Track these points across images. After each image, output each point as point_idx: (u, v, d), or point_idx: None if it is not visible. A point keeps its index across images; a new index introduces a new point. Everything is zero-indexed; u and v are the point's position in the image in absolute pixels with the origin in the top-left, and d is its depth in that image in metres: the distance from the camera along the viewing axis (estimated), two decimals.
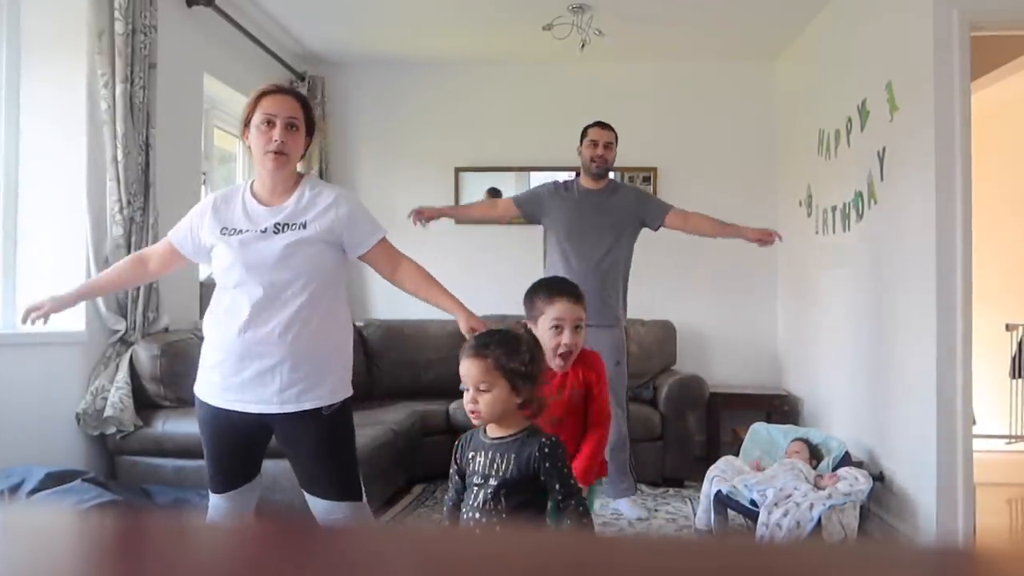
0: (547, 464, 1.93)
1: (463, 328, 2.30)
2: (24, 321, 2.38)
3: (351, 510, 2.29)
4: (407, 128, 5.66)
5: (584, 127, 4.01)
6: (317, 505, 2.29)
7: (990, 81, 4.50)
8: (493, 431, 2.02)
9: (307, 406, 2.22)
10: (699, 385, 4.62)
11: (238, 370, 2.22)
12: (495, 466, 1.99)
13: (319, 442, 2.26)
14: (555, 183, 4.04)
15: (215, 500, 2.35)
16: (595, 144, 3.88)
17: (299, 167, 2.40)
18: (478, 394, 1.96)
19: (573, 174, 4.15)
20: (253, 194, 2.33)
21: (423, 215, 3.88)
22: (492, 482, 1.99)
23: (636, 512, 3.88)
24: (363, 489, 2.36)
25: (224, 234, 2.28)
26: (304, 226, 2.25)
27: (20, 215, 3.33)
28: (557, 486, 1.93)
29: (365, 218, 2.37)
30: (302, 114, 2.30)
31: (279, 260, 2.21)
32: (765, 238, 3.76)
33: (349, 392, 2.33)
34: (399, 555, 0.45)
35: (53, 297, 2.38)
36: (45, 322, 2.37)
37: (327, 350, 2.28)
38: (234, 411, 2.24)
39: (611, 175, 4.05)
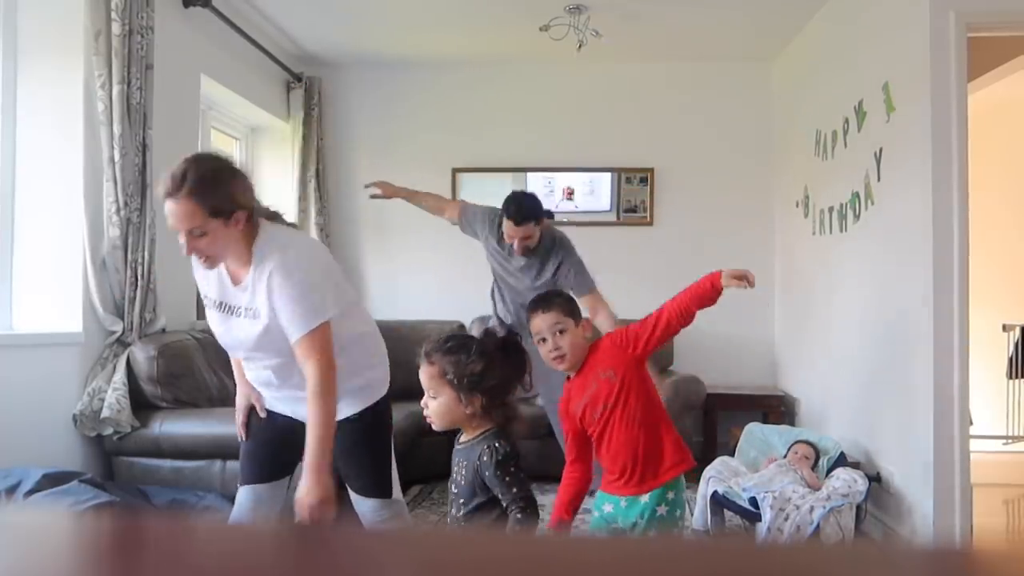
0: (487, 472, 1.92)
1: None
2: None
3: (380, 506, 2.36)
4: (404, 129, 5.66)
5: (505, 203, 3.55)
6: (352, 497, 2.39)
7: (987, 82, 4.51)
8: (463, 436, 2.03)
9: (338, 417, 2.29)
10: (696, 386, 4.62)
11: (275, 398, 2.36)
12: (457, 472, 2.02)
13: (349, 443, 2.33)
14: (493, 224, 3.73)
15: (241, 493, 2.40)
16: (510, 237, 3.56)
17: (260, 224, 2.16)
18: (429, 399, 1.99)
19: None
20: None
21: (384, 192, 3.82)
22: (455, 489, 2.03)
23: None
24: (394, 486, 2.41)
25: (207, 301, 2.27)
26: (258, 314, 2.12)
27: (17, 216, 3.33)
28: (499, 494, 1.92)
29: (291, 308, 2.06)
30: (201, 213, 1.98)
31: (259, 342, 2.16)
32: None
33: (378, 396, 2.36)
34: (396, 556, 0.45)
35: (243, 407, 2.42)
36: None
37: (346, 373, 2.28)
38: (278, 412, 2.40)
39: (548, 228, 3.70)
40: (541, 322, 2.38)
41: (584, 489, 2.51)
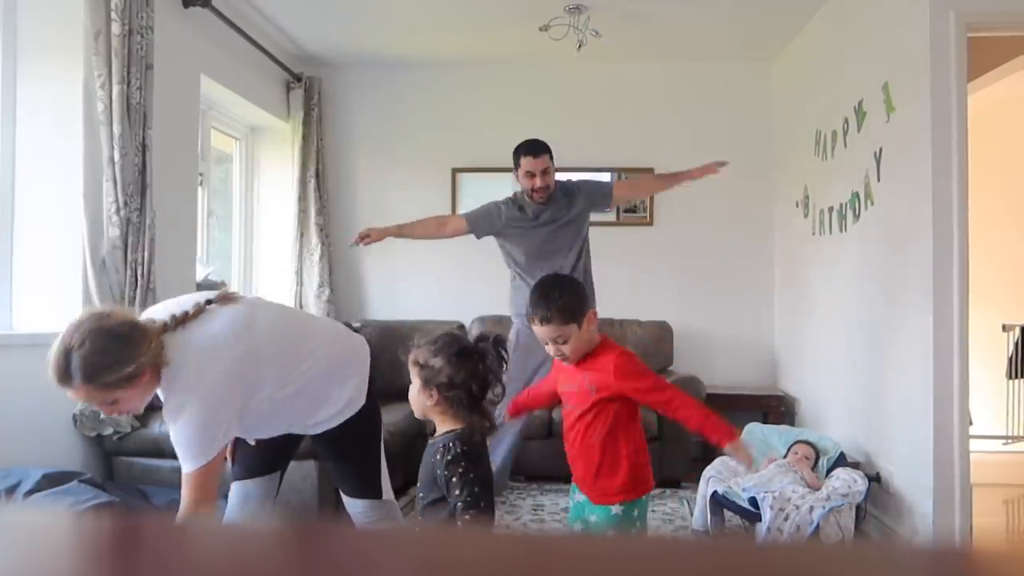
0: (438, 470, 1.96)
1: None
2: None
3: (371, 506, 2.38)
4: (404, 129, 5.66)
5: (516, 150, 3.69)
6: (344, 499, 2.42)
7: (987, 82, 4.51)
8: (435, 433, 2.08)
9: (328, 427, 2.32)
10: (696, 386, 4.62)
11: None
12: (422, 466, 2.07)
13: (338, 447, 2.37)
14: (506, 203, 3.77)
15: (231, 489, 2.42)
16: (531, 175, 3.60)
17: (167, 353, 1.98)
18: (411, 385, 2.05)
19: (520, 186, 3.85)
20: None
21: (369, 239, 3.70)
22: (419, 483, 2.07)
23: None
24: (384, 488, 2.42)
25: None
26: None
27: (17, 216, 3.33)
28: (449, 495, 1.94)
29: (176, 448, 2.02)
30: (102, 391, 1.89)
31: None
32: (710, 171, 3.74)
33: (362, 401, 2.35)
34: (394, 556, 0.45)
35: None
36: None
37: (327, 400, 2.29)
38: None
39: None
40: (541, 332, 2.38)
41: (536, 406, 2.66)
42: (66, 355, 1.85)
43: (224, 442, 2.04)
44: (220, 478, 2.10)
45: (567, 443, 2.49)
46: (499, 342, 2.09)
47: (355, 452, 2.37)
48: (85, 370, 1.83)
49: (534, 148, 3.65)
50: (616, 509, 2.39)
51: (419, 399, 2.04)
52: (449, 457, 1.94)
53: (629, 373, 2.35)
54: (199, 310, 2.06)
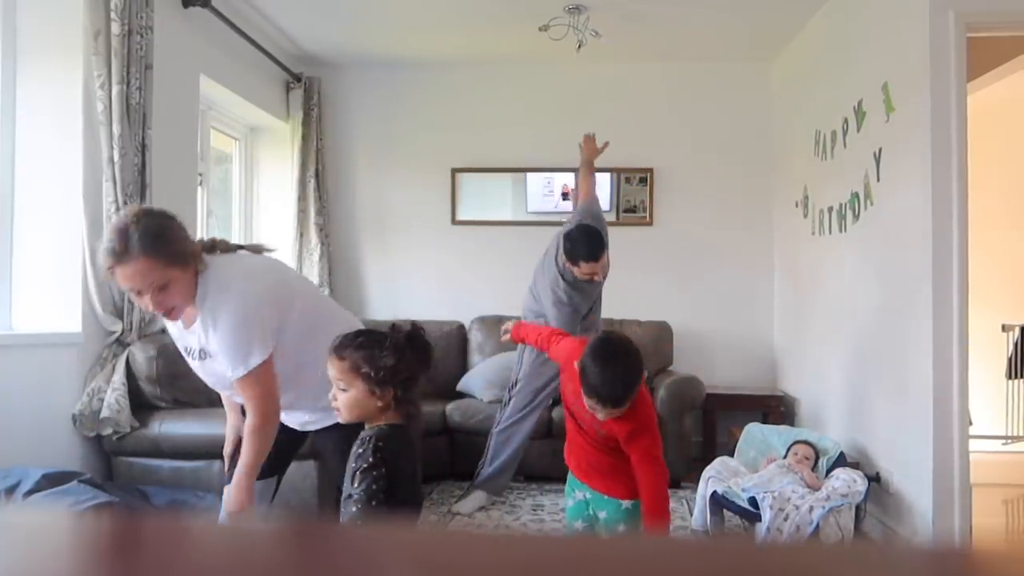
0: (351, 460, 1.93)
1: None
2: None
3: None
4: (404, 129, 5.66)
5: (573, 251, 3.61)
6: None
7: (987, 82, 4.51)
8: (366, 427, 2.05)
9: (329, 423, 2.33)
10: (696, 386, 4.62)
11: None
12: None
13: (340, 444, 2.35)
14: (567, 294, 3.71)
15: (227, 492, 2.40)
16: (591, 272, 3.63)
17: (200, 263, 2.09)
18: (339, 392, 1.99)
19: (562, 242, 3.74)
20: None
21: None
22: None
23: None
24: None
25: (179, 346, 2.28)
26: (215, 355, 2.14)
27: (17, 216, 3.33)
28: (350, 487, 1.91)
29: (223, 355, 2.09)
30: (159, 265, 1.96)
31: (232, 381, 2.17)
32: (594, 148, 4.19)
33: None
34: (395, 556, 0.45)
35: (232, 439, 2.42)
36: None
37: (321, 392, 2.29)
38: None
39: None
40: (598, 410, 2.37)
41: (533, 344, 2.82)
42: (124, 232, 1.91)
43: (265, 344, 2.08)
44: (274, 376, 2.14)
45: (570, 445, 2.50)
46: (416, 327, 2.08)
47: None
48: (145, 241, 1.91)
49: (594, 251, 3.58)
50: (627, 504, 2.40)
51: (363, 402, 1.96)
52: (360, 450, 1.91)
53: (633, 433, 2.35)
54: (228, 247, 2.18)
